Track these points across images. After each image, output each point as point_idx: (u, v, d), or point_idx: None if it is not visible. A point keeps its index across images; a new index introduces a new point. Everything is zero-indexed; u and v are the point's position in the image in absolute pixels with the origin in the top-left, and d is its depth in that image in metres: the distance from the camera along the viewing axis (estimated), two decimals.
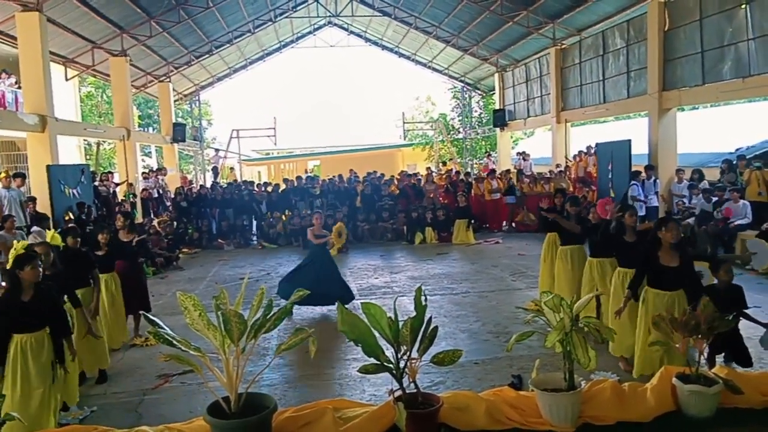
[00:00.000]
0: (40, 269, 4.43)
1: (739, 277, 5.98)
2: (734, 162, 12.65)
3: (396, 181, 18.01)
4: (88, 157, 23.20)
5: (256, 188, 17.71)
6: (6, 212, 10.38)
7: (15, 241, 5.35)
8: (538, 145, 25.88)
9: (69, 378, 4.96)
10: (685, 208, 12.34)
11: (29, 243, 4.89)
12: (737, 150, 14.21)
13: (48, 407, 4.39)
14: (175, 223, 15.52)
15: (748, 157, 12.35)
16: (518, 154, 22.47)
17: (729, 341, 5.06)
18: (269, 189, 17.78)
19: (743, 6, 11.53)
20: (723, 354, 5.19)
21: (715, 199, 11.45)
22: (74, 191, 12.99)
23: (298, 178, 18.76)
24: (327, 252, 8.81)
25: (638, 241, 5.65)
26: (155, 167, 23.50)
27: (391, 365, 3.62)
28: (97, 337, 5.53)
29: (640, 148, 14.36)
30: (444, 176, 19.53)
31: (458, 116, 31.74)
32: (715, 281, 5.31)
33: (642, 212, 12.78)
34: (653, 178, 13.35)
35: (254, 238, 16.14)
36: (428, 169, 21.67)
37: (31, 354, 4.32)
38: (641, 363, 5.07)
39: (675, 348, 3.96)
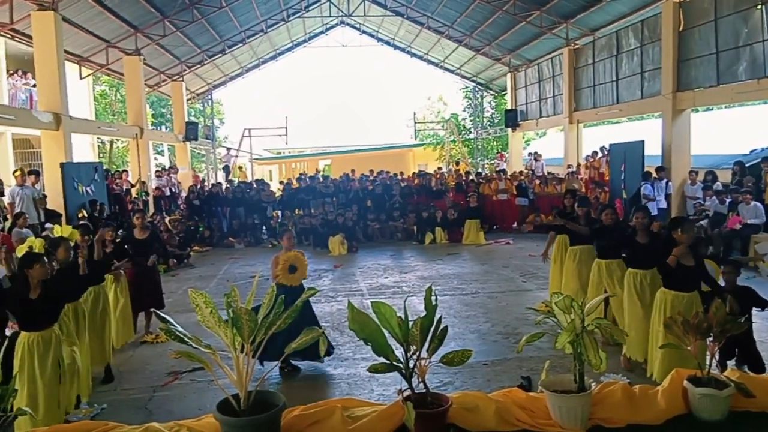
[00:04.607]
0: (48, 268, 4.44)
1: (751, 281, 5.92)
2: (748, 164, 12.53)
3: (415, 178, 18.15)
4: (101, 155, 23.39)
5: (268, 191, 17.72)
6: (18, 209, 10.49)
7: (30, 238, 5.42)
8: (550, 145, 25.76)
9: (82, 372, 5.01)
10: (700, 210, 12.23)
11: (49, 240, 4.96)
12: (752, 152, 14.08)
13: (57, 404, 4.42)
14: (186, 221, 15.61)
15: None
16: (530, 154, 22.40)
17: (741, 346, 5.03)
18: (280, 188, 17.79)
19: (759, 6, 11.40)
20: (735, 358, 5.16)
21: (729, 200, 11.33)
22: (88, 189, 13.11)
23: (311, 177, 18.83)
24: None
25: (650, 241, 5.61)
26: (167, 166, 23.65)
27: (400, 365, 3.61)
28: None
29: (653, 149, 14.25)
30: (454, 176, 19.51)
31: (470, 116, 31.65)
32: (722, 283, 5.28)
33: (654, 212, 12.73)
34: (664, 179, 13.26)
35: (265, 236, 16.20)
36: (439, 168, 21.62)
37: (38, 352, 4.34)
38: (656, 364, 5.05)
39: (687, 350, 3.93)
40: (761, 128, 16.06)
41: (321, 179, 18.48)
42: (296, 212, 16.39)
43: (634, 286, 5.63)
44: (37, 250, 4.56)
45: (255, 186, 18.14)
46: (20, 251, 4.71)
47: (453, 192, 17.17)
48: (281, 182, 20.57)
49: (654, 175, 13.28)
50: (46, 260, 4.44)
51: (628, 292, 5.71)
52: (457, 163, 25.34)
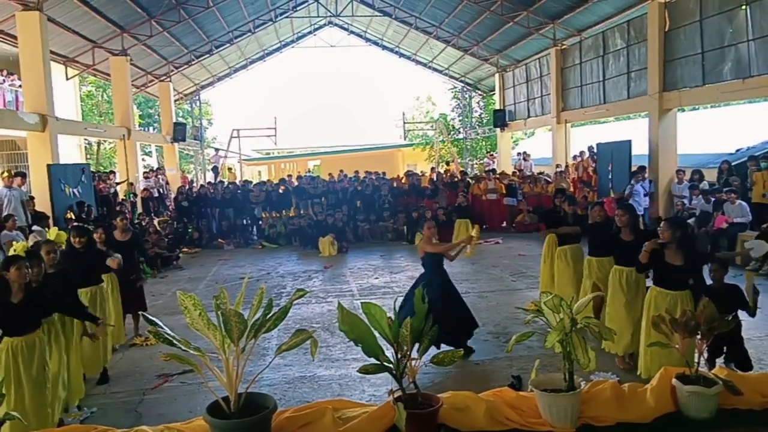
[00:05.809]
0: (27, 270, 4.34)
1: (739, 279, 5.97)
2: (733, 163, 12.65)
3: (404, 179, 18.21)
4: (88, 156, 23.21)
5: (253, 188, 17.57)
6: (7, 211, 10.38)
7: (15, 242, 5.34)
8: (539, 145, 25.86)
9: (72, 374, 4.96)
10: (685, 209, 12.35)
11: (32, 243, 4.88)
12: (737, 151, 14.22)
13: (45, 408, 4.36)
14: (175, 222, 15.53)
15: (757, 155, 12.30)
16: (519, 154, 22.48)
17: (729, 343, 5.07)
18: (268, 188, 17.70)
19: (743, 7, 11.53)
20: (723, 355, 5.20)
21: (713, 200, 11.44)
22: (75, 190, 13.00)
23: (299, 177, 18.78)
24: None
25: (635, 239, 5.67)
26: (155, 167, 23.50)
27: (391, 365, 3.62)
28: (94, 339, 5.33)
29: (640, 148, 14.36)
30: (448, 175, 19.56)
31: (458, 116, 31.72)
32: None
33: (640, 210, 12.85)
34: (648, 179, 13.40)
35: (254, 237, 16.14)
36: (433, 169, 21.63)
37: (22, 358, 4.26)
38: (645, 363, 5.09)
39: (675, 349, 3.96)
40: (746, 127, 16.22)
41: (308, 180, 18.41)
42: (284, 213, 16.34)
43: (616, 282, 5.73)
44: (15, 253, 4.48)
45: (246, 186, 18.03)
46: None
47: (448, 191, 17.21)
48: (269, 180, 20.51)
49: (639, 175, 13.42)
50: (24, 263, 4.35)
51: (611, 288, 5.80)
52: (447, 164, 25.37)
